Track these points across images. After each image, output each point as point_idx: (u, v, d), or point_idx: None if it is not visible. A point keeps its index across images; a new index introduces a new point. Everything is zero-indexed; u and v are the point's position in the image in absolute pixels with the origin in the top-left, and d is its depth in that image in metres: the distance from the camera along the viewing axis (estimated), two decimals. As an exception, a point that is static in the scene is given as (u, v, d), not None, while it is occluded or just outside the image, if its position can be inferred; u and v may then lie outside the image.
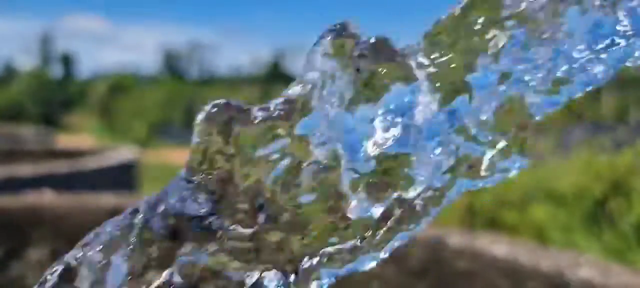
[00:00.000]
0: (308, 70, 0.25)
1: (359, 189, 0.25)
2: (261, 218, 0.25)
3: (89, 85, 25.46)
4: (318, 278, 0.27)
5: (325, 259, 0.26)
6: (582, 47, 0.24)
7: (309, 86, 0.25)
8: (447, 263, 0.97)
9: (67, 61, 29.81)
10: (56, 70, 29.01)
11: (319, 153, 0.24)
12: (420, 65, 0.25)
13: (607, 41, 0.24)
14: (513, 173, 0.26)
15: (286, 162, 0.24)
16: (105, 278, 0.26)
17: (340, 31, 0.25)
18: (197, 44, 30.50)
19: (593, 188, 3.66)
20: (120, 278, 0.26)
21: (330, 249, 0.26)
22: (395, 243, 0.26)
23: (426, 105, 0.24)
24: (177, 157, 11.98)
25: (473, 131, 0.25)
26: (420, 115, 0.25)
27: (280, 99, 0.25)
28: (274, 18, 65.23)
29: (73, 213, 1.38)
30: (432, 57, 0.25)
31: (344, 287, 1.11)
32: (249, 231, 0.25)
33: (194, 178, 0.26)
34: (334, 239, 0.26)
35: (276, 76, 26.03)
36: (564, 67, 0.25)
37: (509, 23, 0.24)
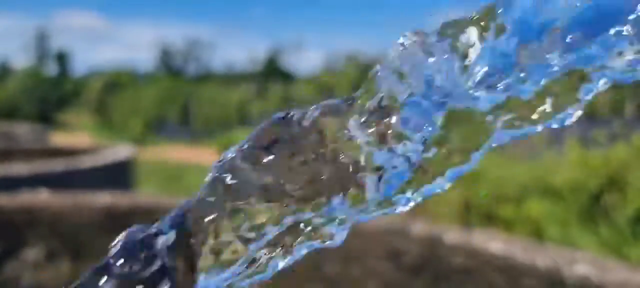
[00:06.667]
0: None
1: None
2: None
3: (85, 82, 25.41)
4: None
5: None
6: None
7: None
8: (444, 260, 0.97)
9: (62, 59, 29.73)
10: (51, 68, 28.96)
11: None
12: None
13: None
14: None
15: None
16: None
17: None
18: (194, 40, 30.47)
19: (588, 183, 3.67)
20: None
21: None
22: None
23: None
24: (173, 153, 11.97)
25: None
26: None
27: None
28: (270, 15, 65.12)
29: (69, 212, 1.38)
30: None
31: (341, 283, 1.12)
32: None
33: None
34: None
35: (272, 73, 26.02)
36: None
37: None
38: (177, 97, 18.79)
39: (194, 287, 0.27)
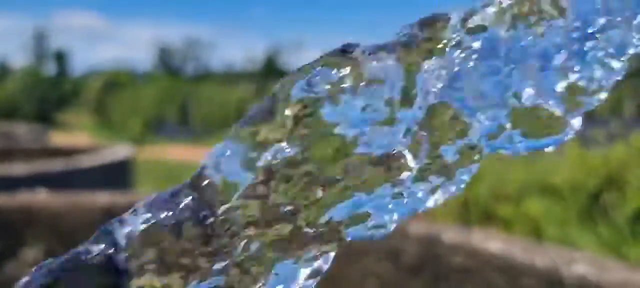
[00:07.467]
0: None
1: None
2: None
3: (84, 82, 25.37)
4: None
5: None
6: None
7: None
8: (443, 259, 0.97)
9: (61, 58, 29.68)
10: (50, 68, 28.92)
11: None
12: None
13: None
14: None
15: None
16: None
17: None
18: (193, 40, 30.43)
19: (588, 183, 3.67)
20: None
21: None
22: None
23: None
24: (172, 153, 11.98)
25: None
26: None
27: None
28: (270, 15, 65.08)
29: (68, 212, 1.38)
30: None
31: (339, 283, 1.12)
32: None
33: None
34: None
35: (271, 72, 25.99)
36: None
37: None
38: (176, 97, 18.77)
39: None
